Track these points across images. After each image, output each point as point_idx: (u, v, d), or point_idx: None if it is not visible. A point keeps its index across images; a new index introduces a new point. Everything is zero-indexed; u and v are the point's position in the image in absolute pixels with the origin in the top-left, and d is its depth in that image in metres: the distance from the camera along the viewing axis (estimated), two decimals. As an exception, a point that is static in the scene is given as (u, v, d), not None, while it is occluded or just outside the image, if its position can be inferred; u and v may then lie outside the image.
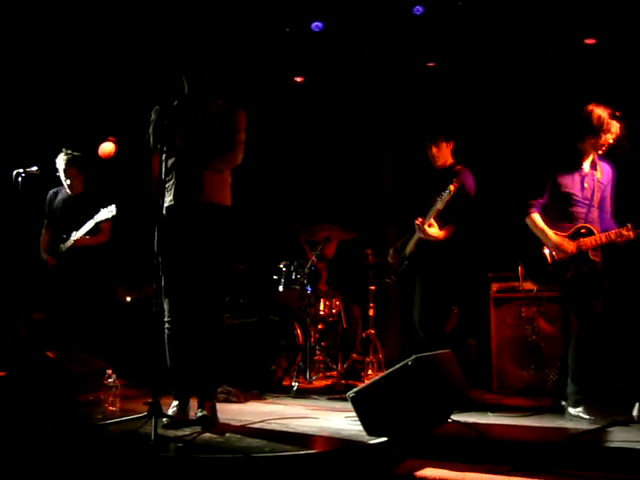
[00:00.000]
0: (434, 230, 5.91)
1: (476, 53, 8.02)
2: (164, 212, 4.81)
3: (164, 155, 4.65)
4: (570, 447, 4.14)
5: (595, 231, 5.24)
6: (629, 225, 5.05)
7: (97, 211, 6.49)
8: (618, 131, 5.25)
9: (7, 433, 4.25)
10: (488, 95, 8.39)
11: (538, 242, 5.46)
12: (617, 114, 5.12)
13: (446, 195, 5.69)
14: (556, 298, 6.64)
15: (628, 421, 4.41)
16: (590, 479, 3.57)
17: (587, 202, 5.35)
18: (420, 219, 5.91)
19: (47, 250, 6.95)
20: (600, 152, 5.36)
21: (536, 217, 5.49)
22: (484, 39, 7.83)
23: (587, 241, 5.22)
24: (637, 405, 4.32)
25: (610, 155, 5.41)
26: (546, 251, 5.39)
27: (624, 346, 6.61)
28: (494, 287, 7.21)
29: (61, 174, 6.88)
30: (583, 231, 5.27)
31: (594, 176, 5.38)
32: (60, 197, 6.99)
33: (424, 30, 7.77)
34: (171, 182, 4.88)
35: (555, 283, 5.52)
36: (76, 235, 6.60)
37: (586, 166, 5.42)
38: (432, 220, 5.89)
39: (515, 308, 7.03)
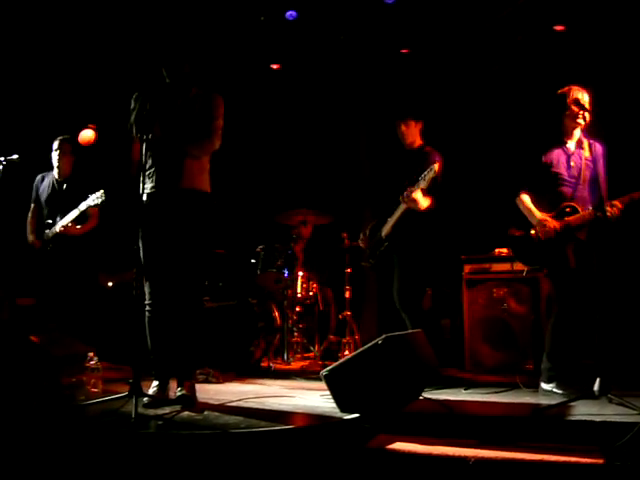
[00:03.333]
0: (421, 196, 5.98)
1: (448, 40, 8.12)
2: (145, 199, 4.92)
3: (145, 143, 4.77)
4: (535, 421, 4.28)
5: (579, 209, 5.26)
6: (612, 201, 4.97)
7: (84, 197, 6.57)
8: (586, 98, 5.33)
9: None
10: (463, 81, 8.50)
11: (526, 224, 5.51)
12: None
13: (431, 173, 5.77)
14: (526, 279, 6.81)
15: (589, 395, 4.53)
16: (553, 450, 3.68)
17: (574, 181, 5.38)
18: (410, 189, 5.98)
19: (33, 233, 7.00)
20: (580, 125, 5.40)
21: (524, 197, 5.53)
22: (455, 26, 7.93)
23: (571, 219, 5.25)
24: (598, 380, 4.44)
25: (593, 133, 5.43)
26: (533, 232, 5.43)
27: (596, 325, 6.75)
28: (466, 269, 7.33)
29: (54, 154, 6.95)
30: (568, 210, 5.29)
31: (581, 154, 5.41)
32: (46, 181, 7.04)
33: (397, 18, 7.86)
34: (152, 170, 4.98)
35: (543, 263, 5.54)
36: (62, 222, 6.65)
37: (571, 145, 5.45)
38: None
39: (487, 289, 7.15)
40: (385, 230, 6.37)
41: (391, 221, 6.30)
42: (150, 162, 4.98)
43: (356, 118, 9.46)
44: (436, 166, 5.76)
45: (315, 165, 9.50)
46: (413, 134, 6.44)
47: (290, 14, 7.84)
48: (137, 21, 7.82)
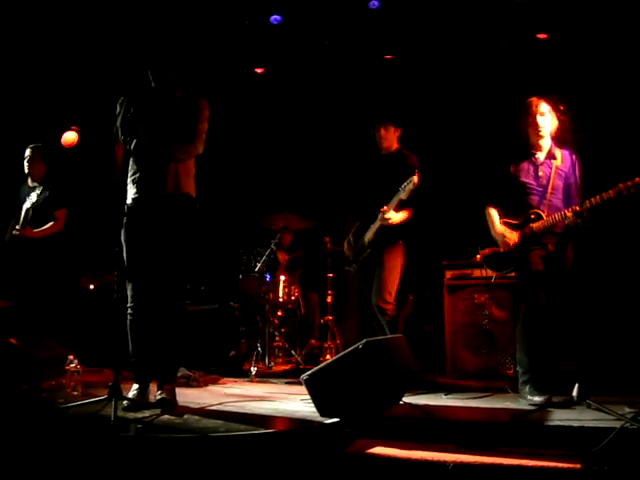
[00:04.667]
0: (397, 215, 6.15)
1: (432, 46, 8.15)
2: (130, 203, 4.95)
3: (128, 147, 4.76)
4: (514, 426, 4.29)
5: (544, 215, 5.28)
6: (573, 207, 5.00)
7: (56, 200, 6.66)
8: (545, 108, 5.38)
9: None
10: (446, 87, 8.53)
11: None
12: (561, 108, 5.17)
13: (410, 185, 5.87)
14: (507, 285, 6.85)
15: (568, 401, 4.57)
16: (531, 455, 3.70)
17: (542, 190, 5.40)
18: (384, 208, 6.11)
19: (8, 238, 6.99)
20: (542, 137, 5.44)
21: (490, 210, 5.64)
22: (438, 33, 7.96)
23: (534, 226, 5.29)
24: (576, 386, 4.46)
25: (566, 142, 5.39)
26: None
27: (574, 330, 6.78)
28: (448, 274, 7.39)
29: (25, 162, 6.95)
30: (532, 217, 5.33)
31: (551, 164, 5.43)
32: (24, 189, 7.06)
33: (381, 23, 7.89)
34: (136, 175, 4.98)
35: (509, 269, 5.54)
36: (18, 225, 6.71)
37: (540, 155, 5.48)
38: (392, 209, 6.10)
39: (468, 295, 7.23)
40: (367, 236, 6.41)
41: (373, 228, 6.34)
42: (135, 167, 5.00)
43: (339, 123, 9.47)
44: (415, 178, 5.84)
45: (298, 169, 9.52)
46: (391, 139, 6.54)
47: (275, 18, 7.85)
48: (123, 24, 7.80)
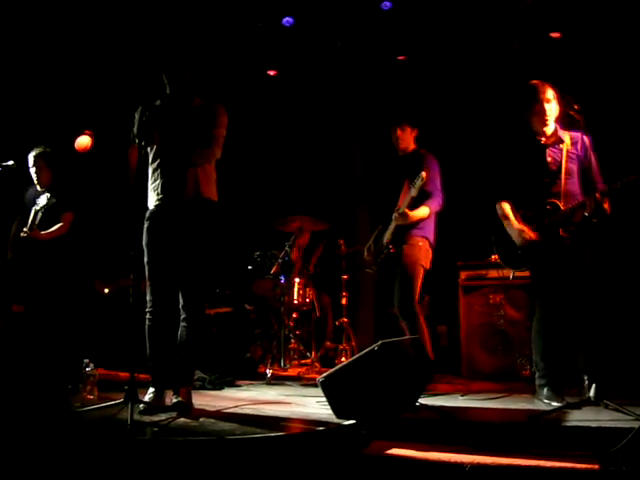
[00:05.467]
0: (410, 214, 6.09)
1: (444, 47, 8.14)
2: (152, 209, 5.00)
3: (143, 152, 4.78)
4: (531, 427, 4.27)
5: (560, 205, 5.09)
6: (595, 194, 4.77)
7: (64, 204, 6.69)
8: (549, 95, 5.22)
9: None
10: (458, 87, 8.52)
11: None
12: (575, 107, 5.04)
13: (419, 182, 5.86)
14: (522, 285, 6.81)
15: (585, 402, 4.53)
16: (549, 456, 3.68)
17: (553, 176, 5.21)
18: (398, 208, 6.12)
19: (11, 244, 6.98)
20: (547, 122, 5.27)
21: (504, 205, 5.45)
22: (451, 33, 7.95)
23: (553, 218, 5.11)
24: (593, 386, 4.43)
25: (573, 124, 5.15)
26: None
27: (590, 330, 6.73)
28: (462, 275, 7.39)
29: (30, 170, 6.95)
30: (548, 207, 5.14)
31: (561, 149, 5.23)
32: (31, 192, 7.07)
33: (393, 24, 7.88)
34: (157, 182, 5.01)
35: (526, 266, 5.36)
36: (26, 227, 6.69)
37: (547, 141, 5.30)
38: (406, 208, 6.08)
39: (483, 295, 7.21)
40: (386, 238, 6.40)
41: (390, 229, 6.33)
42: (156, 174, 5.03)
43: (352, 124, 9.46)
44: (424, 174, 5.84)
45: (312, 171, 9.52)
46: (408, 140, 6.50)
47: (287, 20, 7.87)
48: (135, 27, 7.83)
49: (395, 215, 6.17)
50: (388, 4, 7.46)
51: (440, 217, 6.39)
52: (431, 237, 6.32)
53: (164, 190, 4.97)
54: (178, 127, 4.97)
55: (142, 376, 4.78)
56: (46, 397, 5.45)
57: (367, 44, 8.35)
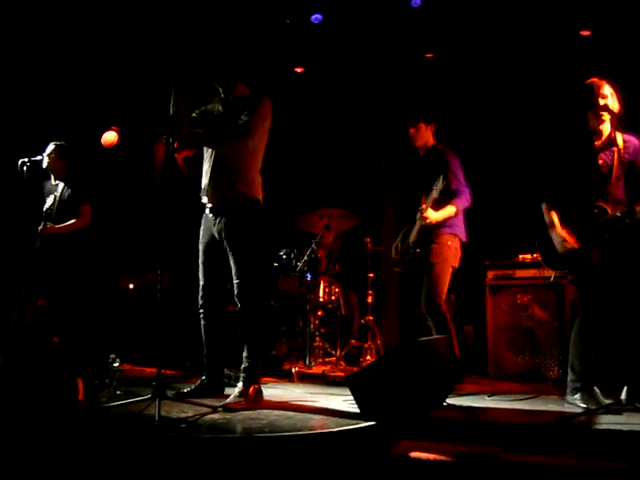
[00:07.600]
0: (435, 214, 6.07)
1: (473, 44, 8.09)
2: (206, 211, 5.26)
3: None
4: (560, 429, 4.23)
5: (609, 210, 4.91)
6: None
7: (78, 197, 6.80)
8: (608, 91, 5.01)
9: (12, 416, 4.34)
10: (488, 85, 8.47)
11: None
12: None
13: (440, 185, 5.85)
14: (550, 285, 6.73)
15: (617, 404, 4.47)
16: (578, 460, 3.64)
17: (602, 180, 5.02)
18: (422, 207, 6.07)
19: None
20: (603, 122, 5.06)
21: (552, 214, 5.24)
22: (481, 31, 7.90)
23: (600, 222, 4.93)
24: (625, 389, 4.38)
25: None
26: None
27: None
28: (490, 275, 7.32)
29: (45, 155, 6.98)
30: (596, 211, 4.96)
31: (612, 152, 5.01)
32: (48, 185, 7.14)
33: (422, 21, 7.85)
34: (205, 184, 5.23)
35: (570, 268, 5.20)
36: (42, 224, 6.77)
37: (601, 143, 5.11)
38: (429, 209, 6.04)
39: (510, 295, 7.14)
40: (411, 238, 6.38)
41: (415, 229, 6.31)
42: (205, 176, 5.24)
43: (379, 122, 9.42)
44: (443, 182, 5.83)
45: (339, 169, 9.48)
46: (424, 137, 6.48)
47: (315, 17, 7.86)
48: (162, 24, 7.86)
49: (419, 216, 6.14)
50: (418, 1, 7.43)
51: (467, 216, 6.35)
52: (462, 235, 6.29)
53: (209, 191, 5.20)
54: (224, 128, 5.15)
55: (168, 372, 4.80)
56: (72, 393, 5.46)
57: (396, 41, 8.30)
